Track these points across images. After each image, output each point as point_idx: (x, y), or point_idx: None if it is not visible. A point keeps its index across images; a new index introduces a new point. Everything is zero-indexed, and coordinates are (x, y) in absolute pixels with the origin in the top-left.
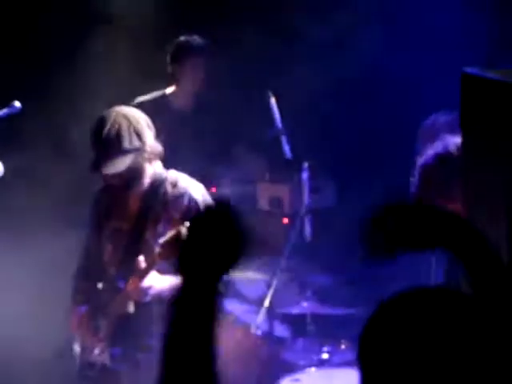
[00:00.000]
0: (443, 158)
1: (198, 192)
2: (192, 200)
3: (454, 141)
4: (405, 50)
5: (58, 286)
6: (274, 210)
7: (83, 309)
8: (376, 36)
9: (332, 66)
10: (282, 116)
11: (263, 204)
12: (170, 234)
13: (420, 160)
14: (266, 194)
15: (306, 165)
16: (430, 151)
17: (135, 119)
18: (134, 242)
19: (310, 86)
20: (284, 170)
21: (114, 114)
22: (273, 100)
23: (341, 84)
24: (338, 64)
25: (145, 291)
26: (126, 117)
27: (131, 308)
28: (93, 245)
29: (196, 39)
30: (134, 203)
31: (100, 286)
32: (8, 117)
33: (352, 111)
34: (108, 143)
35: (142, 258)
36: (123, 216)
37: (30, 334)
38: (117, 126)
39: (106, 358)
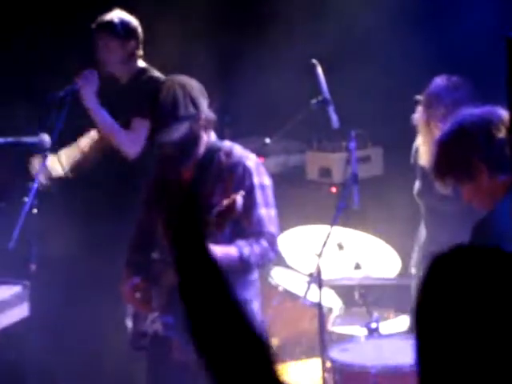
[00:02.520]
0: (460, 133)
1: (252, 162)
2: (246, 170)
3: (472, 113)
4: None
5: None
6: (323, 180)
7: (137, 279)
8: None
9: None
10: (329, 84)
11: (312, 174)
12: (225, 203)
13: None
14: (314, 163)
15: (353, 134)
16: (447, 127)
17: (190, 87)
18: None
19: (356, 53)
20: (332, 139)
21: (168, 82)
22: (319, 69)
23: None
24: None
25: None
26: (181, 85)
27: None
28: (145, 216)
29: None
30: (187, 173)
31: (154, 256)
32: (71, 94)
33: (400, 78)
34: (164, 111)
35: None
36: (176, 186)
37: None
38: (172, 94)
39: (158, 327)
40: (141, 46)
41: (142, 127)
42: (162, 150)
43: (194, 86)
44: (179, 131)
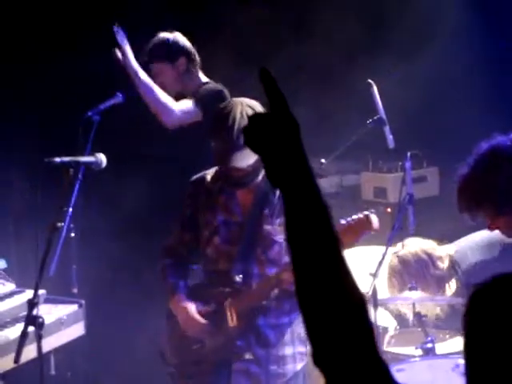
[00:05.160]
0: (505, 166)
1: None
2: None
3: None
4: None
5: None
6: (378, 200)
7: (197, 306)
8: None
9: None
10: (385, 105)
11: (367, 194)
12: (355, 218)
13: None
14: (369, 183)
15: (409, 154)
16: (480, 156)
17: (260, 110)
18: (251, 236)
19: (412, 73)
20: (387, 159)
21: (239, 105)
22: (375, 89)
23: (443, 71)
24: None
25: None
26: (251, 107)
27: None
28: (189, 236)
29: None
30: (245, 196)
31: (207, 281)
32: (111, 107)
33: (453, 98)
34: (240, 135)
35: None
36: (232, 209)
37: None
38: (246, 118)
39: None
40: (194, 56)
41: (190, 106)
42: (230, 174)
43: (262, 109)
44: (252, 156)
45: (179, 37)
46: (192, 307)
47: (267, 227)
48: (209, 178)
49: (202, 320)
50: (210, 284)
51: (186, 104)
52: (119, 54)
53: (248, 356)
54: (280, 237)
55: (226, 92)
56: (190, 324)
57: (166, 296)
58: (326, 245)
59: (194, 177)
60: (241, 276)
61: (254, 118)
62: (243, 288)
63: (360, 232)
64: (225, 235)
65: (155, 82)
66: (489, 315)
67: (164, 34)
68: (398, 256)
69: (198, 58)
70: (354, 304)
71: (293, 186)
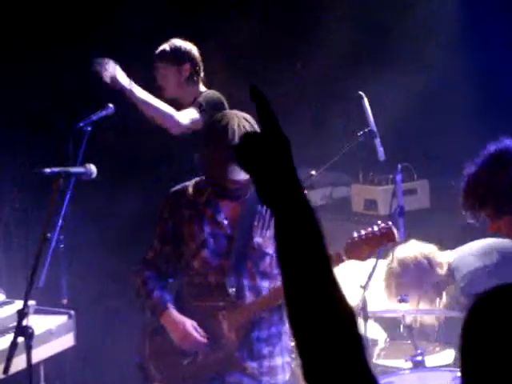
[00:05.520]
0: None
1: None
2: None
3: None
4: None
5: None
6: (368, 212)
7: (191, 322)
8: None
9: (426, 68)
10: (376, 117)
11: (357, 206)
12: (376, 229)
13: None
14: (360, 196)
15: (399, 166)
16: (478, 160)
17: (254, 123)
18: (241, 248)
19: (404, 86)
20: (378, 171)
21: (235, 117)
22: (365, 101)
23: (435, 85)
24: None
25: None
26: (247, 120)
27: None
28: (169, 248)
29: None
30: (233, 208)
31: (193, 293)
32: (103, 118)
33: (444, 111)
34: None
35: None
36: (220, 221)
37: None
38: (244, 131)
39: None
40: (199, 67)
41: (195, 113)
42: (227, 187)
43: (255, 121)
44: None
45: (190, 45)
46: (188, 322)
47: (258, 240)
48: (190, 190)
49: (201, 336)
50: (196, 297)
51: (191, 112)
52: (107, 78)
53: (241, 369)
54: (271, 248)
55: (225, 103)
56: (188, 340)
57: (152, 310)
58: (316, 262)
59: (174, 188)
60: (234, 289)
61: (245, 138)
62: (237, 301)
63: (381, 243)
64: (213, 247)
65: (159, 83)
66: (491, 326)
67: (176, 40)
68: (398, 259)
69: (202, 70)
70: (344, 318)
71: (284, 206)
